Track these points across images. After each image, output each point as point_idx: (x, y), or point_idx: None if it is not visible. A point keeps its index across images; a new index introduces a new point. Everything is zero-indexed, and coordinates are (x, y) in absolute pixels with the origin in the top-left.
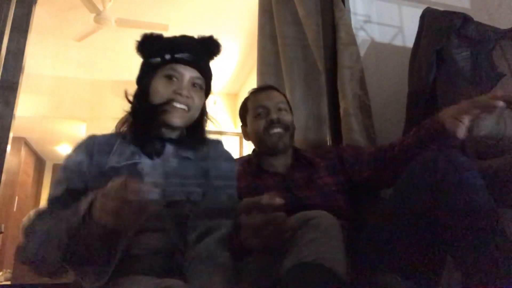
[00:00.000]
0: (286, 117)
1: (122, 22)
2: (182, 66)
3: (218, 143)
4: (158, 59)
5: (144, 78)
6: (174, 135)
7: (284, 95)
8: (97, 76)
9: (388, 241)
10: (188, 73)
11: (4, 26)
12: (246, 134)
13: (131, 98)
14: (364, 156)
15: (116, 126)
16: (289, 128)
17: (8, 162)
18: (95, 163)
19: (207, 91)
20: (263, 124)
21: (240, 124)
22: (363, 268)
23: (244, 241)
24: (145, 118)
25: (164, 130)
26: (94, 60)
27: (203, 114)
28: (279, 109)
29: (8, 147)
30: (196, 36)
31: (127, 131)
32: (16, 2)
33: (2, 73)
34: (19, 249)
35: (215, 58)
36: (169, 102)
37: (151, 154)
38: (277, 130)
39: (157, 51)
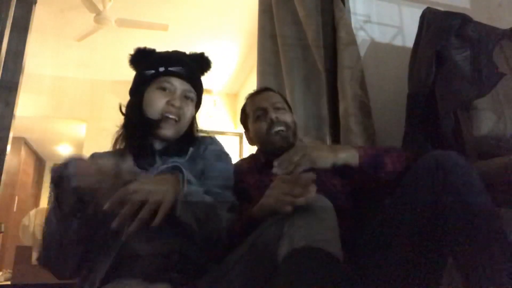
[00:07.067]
0: (285, 115)
1: (122, 22)
2: (176, 78)
3: (211, 140)
4: (152, 71)
5: (138, 89)
6: (163, 145)
7: (281, 94)
8: (97, 76)
9: (390, 240)
10: (181, 86)
11: (4, 26)
12: (250, 139)
13: (124, 110)
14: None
15: (113, 145)
16: (290, 126)
17: (8, 162)
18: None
19: (198, 103)
20: (264, 126)
21: (243, 129)
22: (364, 266)
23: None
24: (140, 131)
25: (155, 141)
26: (94, 60)
27: (192, 125)
28: (277, 109)
29: (8, 147)
30: (187, 52)
31: (124, 146)
32: (16, 2)
33: (2, 73)
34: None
35: (205, 74)
36: (164, 117)
37: (144, 167)
38: (279, 128)
39: (151, 64)
